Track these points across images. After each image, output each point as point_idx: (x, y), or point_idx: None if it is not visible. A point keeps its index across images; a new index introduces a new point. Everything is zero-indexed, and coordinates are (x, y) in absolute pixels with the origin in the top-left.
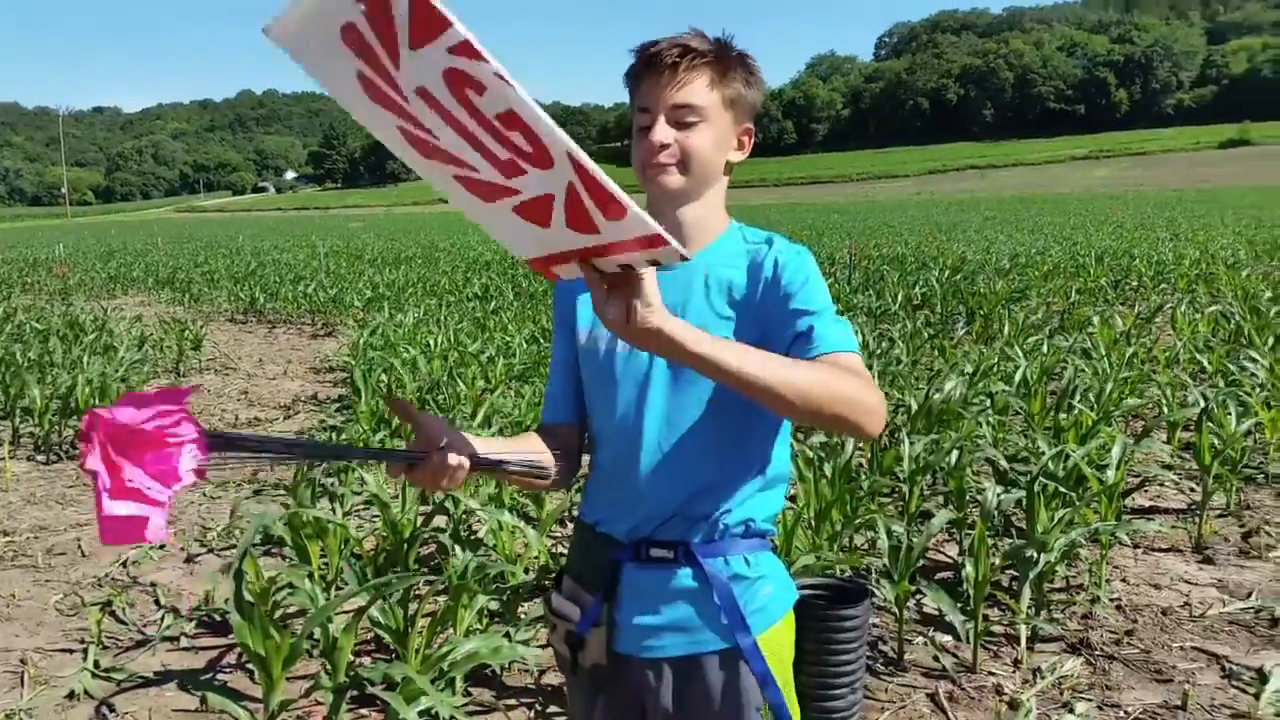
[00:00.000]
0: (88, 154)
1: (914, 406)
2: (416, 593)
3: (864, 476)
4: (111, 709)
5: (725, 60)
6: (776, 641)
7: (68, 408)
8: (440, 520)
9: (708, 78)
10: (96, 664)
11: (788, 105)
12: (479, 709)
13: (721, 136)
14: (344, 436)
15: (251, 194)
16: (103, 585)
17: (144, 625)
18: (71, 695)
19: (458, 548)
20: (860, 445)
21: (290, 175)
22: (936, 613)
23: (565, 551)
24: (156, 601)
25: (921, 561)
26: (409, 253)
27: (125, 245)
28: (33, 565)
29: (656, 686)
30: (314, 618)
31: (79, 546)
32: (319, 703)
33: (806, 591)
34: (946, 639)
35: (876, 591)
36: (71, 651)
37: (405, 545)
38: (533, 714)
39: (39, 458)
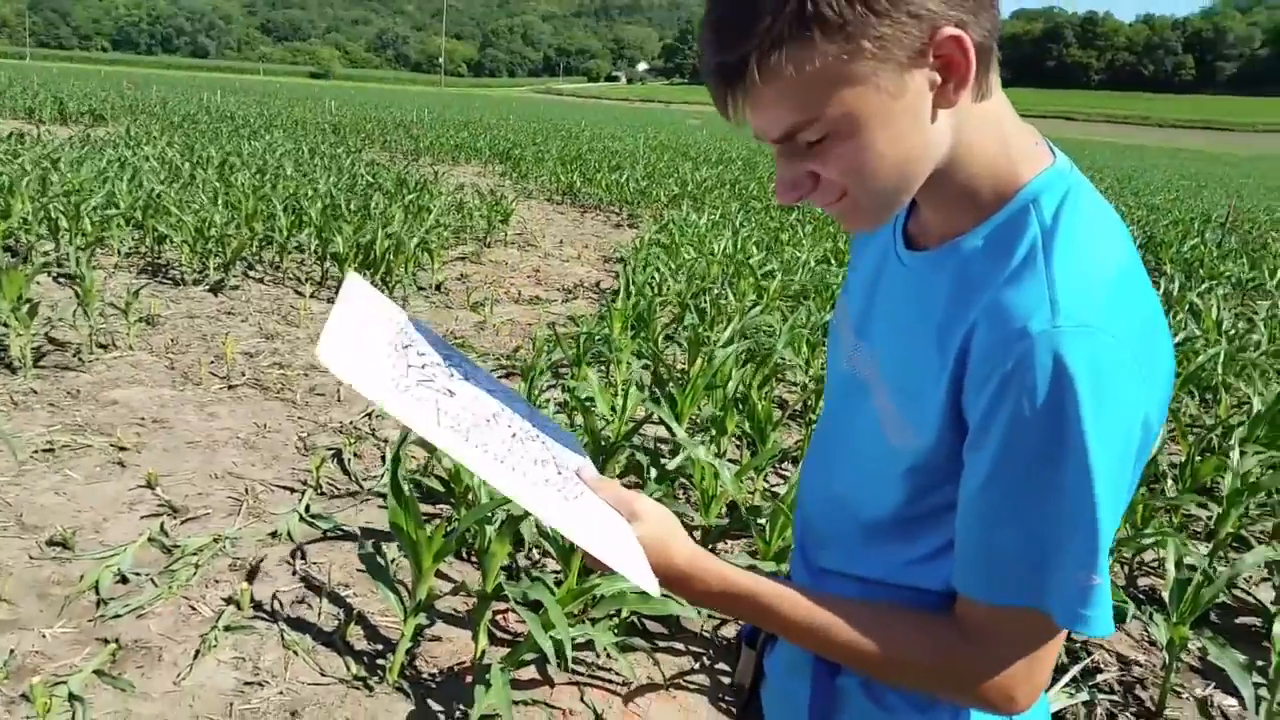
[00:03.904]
0: (466, 28)
1: (1257, 408)
2: None
3: (1166, 483)
4: (303, 556)
5: (789, 19)
6: None
7: (368, 258)
8: (652, 430)
9: (783, 72)
10: (307, 508)
11: (1191, 37)
12: (635, 647)
13: (880, 116)
14: (594, 329)
15: (604, 82)
16: (342, 432)
17: (364, 479)
18: (275, 534)
19: (653, 470)
20: (1173, 446)
21: (641, 67)
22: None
23: (782, 495)
24: (383, 458)
25: (1221, 598)
26: (732, 154)
27: (481, 118)
28: (292, 401)
29: None
30: (468, 517)
31: (338, 391)
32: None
33: None
34: (1230, 704)
35: (1150, 627)
36: (292, 491)
37: (604, 456)
38: (696, 665)
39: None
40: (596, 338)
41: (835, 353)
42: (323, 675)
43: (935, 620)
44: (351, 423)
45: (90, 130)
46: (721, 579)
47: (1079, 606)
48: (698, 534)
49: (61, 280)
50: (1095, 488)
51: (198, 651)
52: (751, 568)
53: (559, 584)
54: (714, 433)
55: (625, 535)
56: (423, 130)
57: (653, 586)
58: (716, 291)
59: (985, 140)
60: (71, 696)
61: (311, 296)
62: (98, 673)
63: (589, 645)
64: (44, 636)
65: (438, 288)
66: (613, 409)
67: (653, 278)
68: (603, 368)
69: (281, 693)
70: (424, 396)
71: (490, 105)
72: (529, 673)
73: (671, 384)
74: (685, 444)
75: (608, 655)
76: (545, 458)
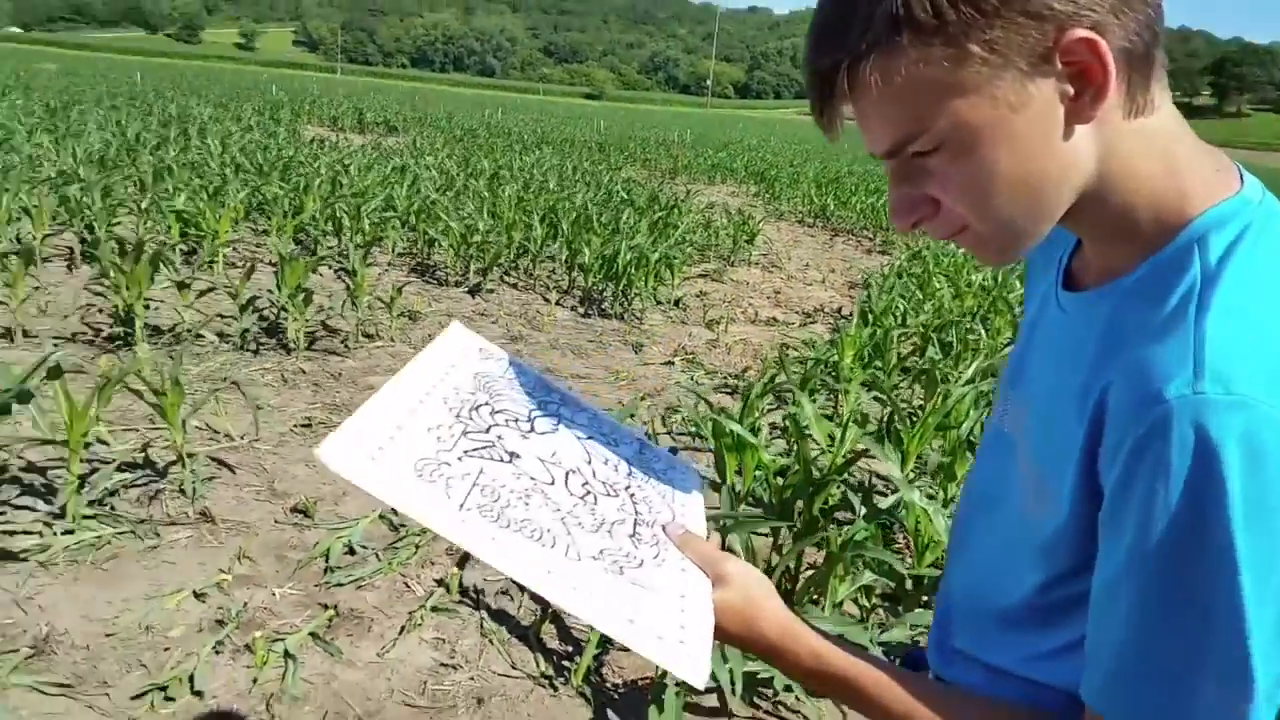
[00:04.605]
0: (735, 50)
1: None
2: (820, 539)
3: None
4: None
5: (880, 23)
6: None
7: (611, 270)
8: (875, 465)
9: (871, 81)
10: None
11: None
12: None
13: (999, 130)
14: (824, 354)
15: None
16: None
17: None
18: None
19: (863, 508)
20: None
21: None
22: None
23: None
24: None
25: None
26: None
27: (741, 139)
28: None
29: None
30: None
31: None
32: None
33: None
34: None
35: None
36: None
37: (812, 488)
38: None
39: (580, 309)
40: (824, 364)
41: (995, 406)
42: (513, 668)
43: None
44: None
45: (382, 139)
46: (814, 656)
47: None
48: (909, 583)
49: (341, 274)
50: (1244, 596)
51: (403, 628)
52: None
53: None
54: (941, 477)
55: (697, 600)
56: (682, 150)
57: (697, 674)
58: (967, 326)
59: (1145, 163)
60: (287, 654)
61: (557, 304)
62: (313, 635)
63: (773, 681)
64: (274, 595)
65: (676, 303)
66: (830, 439)
67: (895, 306)
68: (831, 395)
69: (472, 678)
70: (460, 472)
71: (753, 127)
72: (711, 700)
73: (899, 420)
74: (900, 485)
75: (796, 698)
76: (620, 517)
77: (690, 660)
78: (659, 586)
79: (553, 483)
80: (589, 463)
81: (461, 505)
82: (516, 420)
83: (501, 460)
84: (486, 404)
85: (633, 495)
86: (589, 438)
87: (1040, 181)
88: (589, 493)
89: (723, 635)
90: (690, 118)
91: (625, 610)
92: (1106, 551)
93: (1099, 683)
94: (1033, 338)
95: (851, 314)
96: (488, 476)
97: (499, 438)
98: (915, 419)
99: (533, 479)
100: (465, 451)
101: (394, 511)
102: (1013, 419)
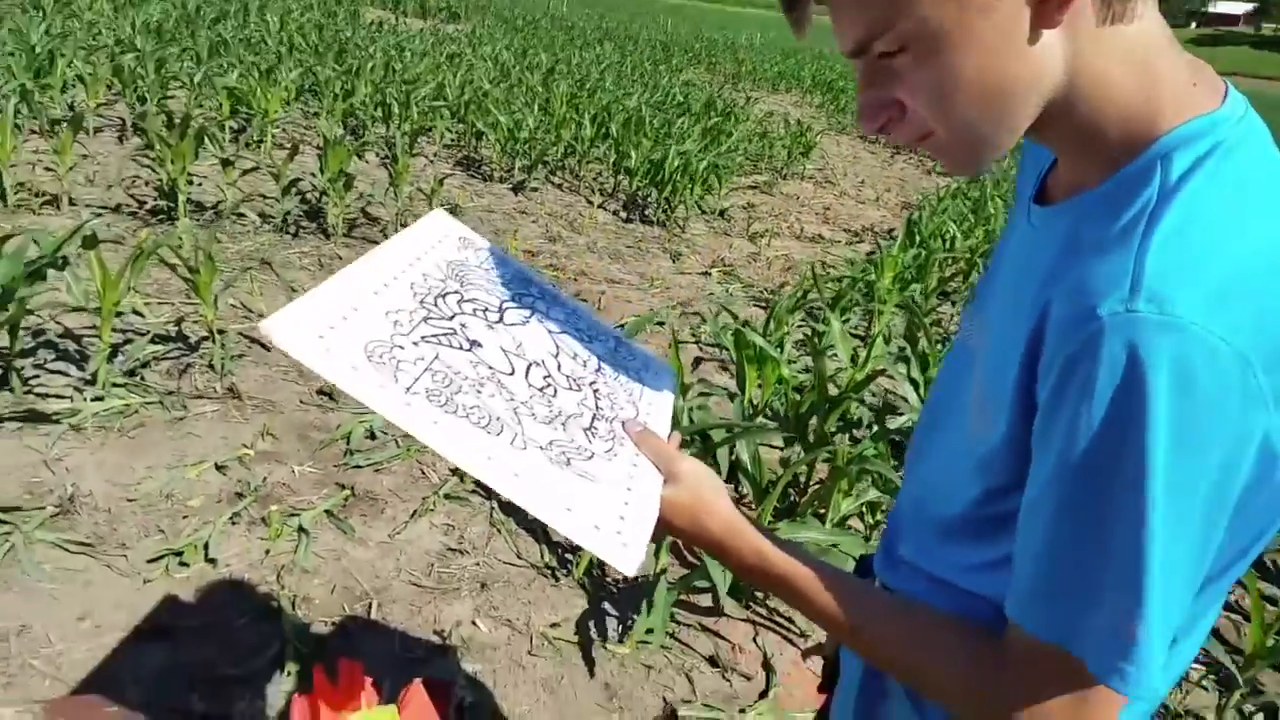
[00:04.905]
0: None
1: None
2: (828, 454)
3: None
4: None
5: None
6: None
7: (657, 175)
8: (892, 383)
9: None
10: None
11: None
12: None
13: (964, 33)
14: (861, 274)
15: None
16: None
17: None
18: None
19: (874, 426)
20: None
21: None
22: None
23: None
24: None
25: None
26: None
27: (812, 46)
28: None
29: None
30: None
31: (600, 297)
32: None
33: None
34: None
35: None
36: None
37: (827, 404)
38: None
39: (622, 214)
40: (861, 284)
41: (963, 322)
42: (518, 557)
43: (979, 635)
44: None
45: (442, 26)
46: (756, 554)
47: (1116, 658)
48: None
49: (386, 162)
50: (1150, 520)
51: (415, 512)
52: None
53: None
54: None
55: (643, 495)
56: (748, 54)
57: (628, 564)
58: None
59: (1118, 74)
60: (301, 529)
61: (600, 207)
62: (328, 513)
63: None
64: (293, 472)
65: (721, 214)
66: (853, 359)
67: (944, 229)
68: (866, 315)
69: (478, 564)
70: (413, 357)
71: (827, 35)
72: (707, 600)
73: (927, 343)
74: (914, 407)
75: None
76: (577, 411)
77: (623, 551)
78: (605, 479)
79: (512, 373)
80: (555, 356)
81: (409, 389)
82: (485, 310)
83: (460, 348)
84: (456, 292)
85: (596, 391)
86: (561, 332)
87: (1009, 87)
88: (549, 385)
89: (671, 530)
90: (765, 20)
91: (564, 499)
92: (1035, 469)
93: (1018, 596)
94: (1003, 252)
95: (897, 234)
96: (442, 362)
97: (462, 325)
98: (947, 344)
99: (490, 368)
100: (423, 337)
101: None
102: (975, 334)
